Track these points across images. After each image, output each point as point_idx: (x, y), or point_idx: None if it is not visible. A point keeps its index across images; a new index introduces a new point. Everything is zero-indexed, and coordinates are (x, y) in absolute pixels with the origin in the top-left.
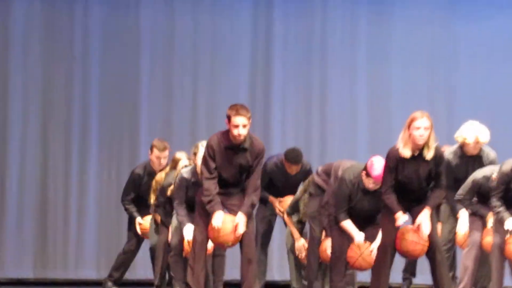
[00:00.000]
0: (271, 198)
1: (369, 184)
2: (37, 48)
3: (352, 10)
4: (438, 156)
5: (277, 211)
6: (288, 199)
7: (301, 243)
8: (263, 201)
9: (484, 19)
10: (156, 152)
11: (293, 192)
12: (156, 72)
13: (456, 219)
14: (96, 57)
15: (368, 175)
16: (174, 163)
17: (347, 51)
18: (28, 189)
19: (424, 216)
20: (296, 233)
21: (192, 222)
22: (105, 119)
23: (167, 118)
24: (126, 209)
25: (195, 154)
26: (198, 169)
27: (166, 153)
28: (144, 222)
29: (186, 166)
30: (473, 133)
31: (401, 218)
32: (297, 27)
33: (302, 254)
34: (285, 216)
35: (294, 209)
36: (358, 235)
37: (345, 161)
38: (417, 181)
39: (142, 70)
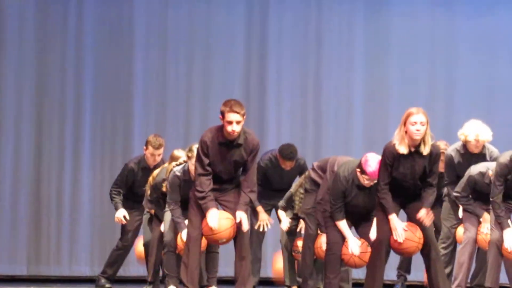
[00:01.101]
0: (259, 208)
1: (364, 180)
2: (31, 37)
3: (350, 3)
4: (435, 153)
5: (261, 222)
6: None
7: (285, 225)
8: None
9: (484, 13)
10: (150, 149)
11: (287, 187)
12: (150, 65)
13: (456, 216)
14: (90, 50)
15: (363, 172)
16: (171, 161)
17: (343, 46)
18: (21, 186)
19: (423, 212)
20: (283, 217)
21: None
22: (98, 113)
23: (161, 112)
24: (112, 199)
25: (189, 157)
26: (191, 169)
27: (161, 150)
28: (123, 218)
29: (177, 164)
30: (474, 131)
31: (399, 226)
32: (292, 21)
33: (284, 229)
34: (279, 210)
35: (288, 204)
36: (352, 242)
37: (341, 157)
38: (412, 177)
39: (136, 62)
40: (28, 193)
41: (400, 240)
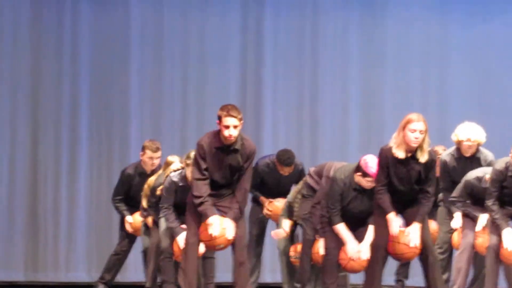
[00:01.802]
0: (262, 198)
1: (367, 183)
2: (26, 45)
3: (344, 9)
4: (430, 160)
5: (265, 211)
6: (279, 201)
7: (281, 230)
8: (255, 201)
9: (478, 22)
10: (148, 153)
11: (285, 192)
12: (146, 71)
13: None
14: (85, 57)
15: (365, 174)
16: (166, 167)
17: (338, 52)
18: (18, 191)
19: (414, 230)
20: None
21: (182, 225)
22: (95, 120)
23: (157, 117)
24: (116, 208)
25: (187, 164)
26: (189, 176)
27: (159, 153)
28: (134, 220)
29: (175, 170)
30: (466, 131)
31: (395, 222)
32: (288, 26)
33: (279, 236)
34: (280, 218)
35: (288, 212)
36: (351, 244)
37: (337, 162)
38: (408, 182)
39: (132, 69)
40: (25, 198)
41: (393, 230)
